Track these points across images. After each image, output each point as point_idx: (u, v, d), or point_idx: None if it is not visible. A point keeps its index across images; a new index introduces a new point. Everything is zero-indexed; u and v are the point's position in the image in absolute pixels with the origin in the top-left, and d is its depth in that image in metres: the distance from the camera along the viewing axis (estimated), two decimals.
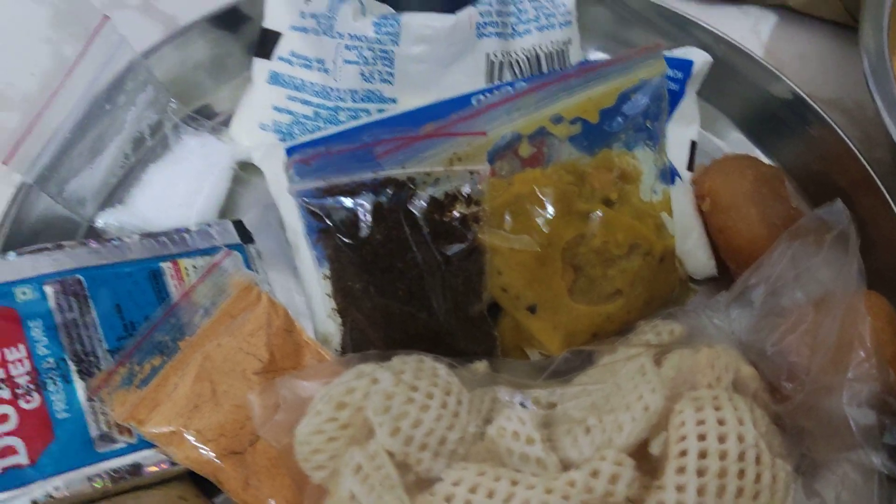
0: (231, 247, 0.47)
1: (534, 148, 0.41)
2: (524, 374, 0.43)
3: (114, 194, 0.51)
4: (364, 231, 0.41)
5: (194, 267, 0.46)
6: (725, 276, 0.48)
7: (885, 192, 0.47)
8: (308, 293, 0.46)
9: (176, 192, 0.50)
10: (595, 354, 0.42)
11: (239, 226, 0.49)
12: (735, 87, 0.54)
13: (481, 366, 0.43)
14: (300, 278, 0.47)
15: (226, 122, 0.54)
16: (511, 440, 0.38)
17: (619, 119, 0.41)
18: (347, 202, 0.40)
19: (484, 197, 0.40)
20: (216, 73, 0.56)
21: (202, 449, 0.39)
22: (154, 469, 0.40)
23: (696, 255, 0.47)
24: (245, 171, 0.52)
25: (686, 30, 0.54)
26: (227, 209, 0.51)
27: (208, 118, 0.54)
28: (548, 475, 0.35)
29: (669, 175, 0.46)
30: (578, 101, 0.40)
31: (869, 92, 0.46)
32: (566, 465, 0.37)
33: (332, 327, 0.44)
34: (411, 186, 0.40)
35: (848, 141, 0.49)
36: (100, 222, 0.49)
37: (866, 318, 0.40)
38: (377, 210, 0.40)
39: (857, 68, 0.48)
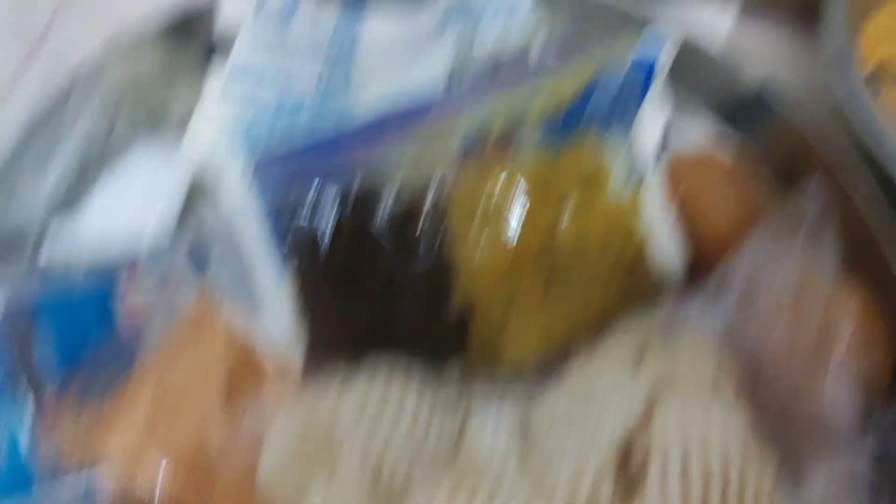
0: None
1: (503, 142, 0.39)
2: (497, 380, 0.42)
3: (63, 203, 0.49)
4: (325, 245, 0.39)
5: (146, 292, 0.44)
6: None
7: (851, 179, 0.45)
8: (266, 306, 0.44)
9: (129, 204, 0.48)
10: (570, 358, 0.41)
11: (194, 250, 0.47)
12: (703, 72, 0.52)
13: (454, 371, 0.42)
14: (257, 293, 0.45)
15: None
16: (486, 452, 0.37)
17: (591, 106, 0.40)
18: (311, 210, 0.39)
19: (450, 200, 0.39)
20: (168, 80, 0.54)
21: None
22: None
23: (664, 249, 0.46)
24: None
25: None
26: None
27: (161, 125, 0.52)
28: (526, 490, 0.34)
29: (640, 166, 0.44)
30: (547, 89, 0.39)
31: (831, 81, 0.46)
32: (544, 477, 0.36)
33: (293, 338, 0.43)
34: (374, 198, 0.39)
35: (814, 129, 0.47)
36: (50, 230, 0.47)
37: (847, 309, 0.39)
38: (336, 229, 0.39)
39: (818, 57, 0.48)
